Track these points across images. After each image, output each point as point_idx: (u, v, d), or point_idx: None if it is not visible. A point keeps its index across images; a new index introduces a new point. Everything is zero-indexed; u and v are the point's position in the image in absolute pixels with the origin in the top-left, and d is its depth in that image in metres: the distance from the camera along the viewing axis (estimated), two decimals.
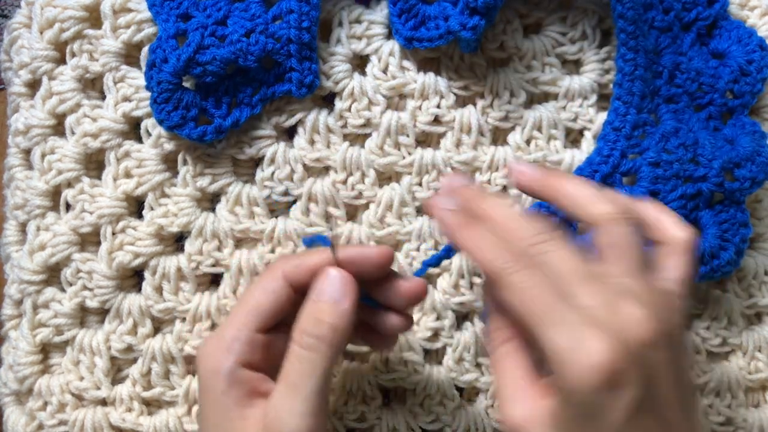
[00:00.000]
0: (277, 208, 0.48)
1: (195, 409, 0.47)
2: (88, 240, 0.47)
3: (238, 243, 0.48)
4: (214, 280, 0.48)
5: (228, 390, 0.37)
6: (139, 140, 0.47)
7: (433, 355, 0.48)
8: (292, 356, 0.36)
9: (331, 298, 0.37)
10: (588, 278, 0.34)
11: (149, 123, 0.46)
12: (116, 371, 0.48)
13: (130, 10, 0.46)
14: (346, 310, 0.37)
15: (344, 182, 0.47)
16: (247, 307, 0.38)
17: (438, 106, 0.47)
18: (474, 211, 0.37)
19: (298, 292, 0.38)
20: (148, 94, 0.45)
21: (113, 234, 0.47)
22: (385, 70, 0.47)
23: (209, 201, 0.48)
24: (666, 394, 0.33)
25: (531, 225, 0.36)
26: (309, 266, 0.38)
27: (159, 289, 0.47)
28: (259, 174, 0.47)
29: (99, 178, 0.47)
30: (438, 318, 0.47)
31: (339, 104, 0.47)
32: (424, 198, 0.47)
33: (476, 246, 0.36)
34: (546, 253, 0.35)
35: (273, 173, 0.47)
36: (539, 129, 0.47)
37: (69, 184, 0.47)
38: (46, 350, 0.48)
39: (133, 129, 0.47)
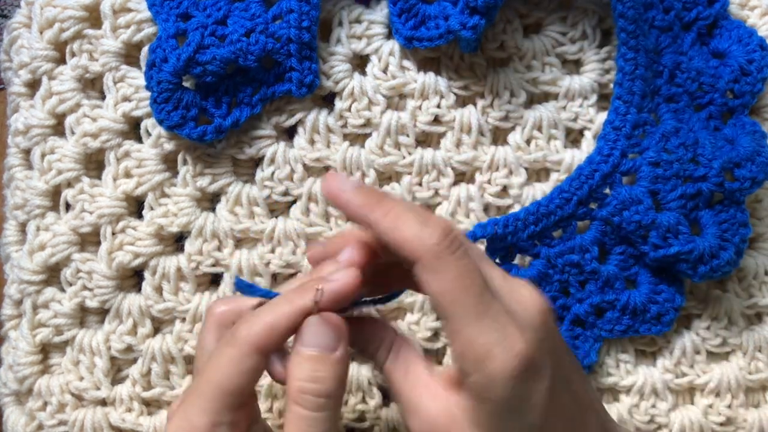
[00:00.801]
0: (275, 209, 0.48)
1: None
2: (88, 240, 0.47)
3: (238, 243, 0.48)
4: (214, 280, 0.48)
5: None
6: (139, 140, 0.47)
7: (433, 355, 0.48)
8: (296, 420, 0.32)
9: (325, 350, 0.33)
10: (489, 272, 0.34)
11: (149, 123, 0.46)
12: (116, 371, 0.48)
13: (130, 10, 0.46)
14: (343, 355, 0.33)
15: None
16: (222, 390, 0.33)
17: (438, 106, 0.47)
18: (378, 193, 0.35)
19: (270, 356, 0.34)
20: (148, 93, 0.45)
21: (113, 234, 0.47)
22: (385, 70, 0.47)
23: (209, 201, 0.48)
24: (568, 364, 0.35)
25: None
26: (286, 328, 0.33)
27: (159, 289, 0.47)
28: (259, 174, 0.47)
29: (99, 178, 0.47)
30: (438, 318, 0.47)
31: (339, 104, 0.47)
32: (421, 197, 0.47)
33: (398, 223, 0.32)
34: (466, 242, 0.34)
35: (273, 173, 0.47)
36: (539, 129, 0.47)
37: (69, 184, 0.47)
38: (46, 350, 0.48)
39: (133, 129, 0.47)
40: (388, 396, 0.48)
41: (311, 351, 0.33)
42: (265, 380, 0.46)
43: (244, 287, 0.37)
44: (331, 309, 0.34)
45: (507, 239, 0.45)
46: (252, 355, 0.33)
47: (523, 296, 0.34)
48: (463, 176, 0.48)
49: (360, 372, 0.47)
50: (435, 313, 0.33)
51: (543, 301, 0.34)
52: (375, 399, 0.47)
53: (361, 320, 0.36)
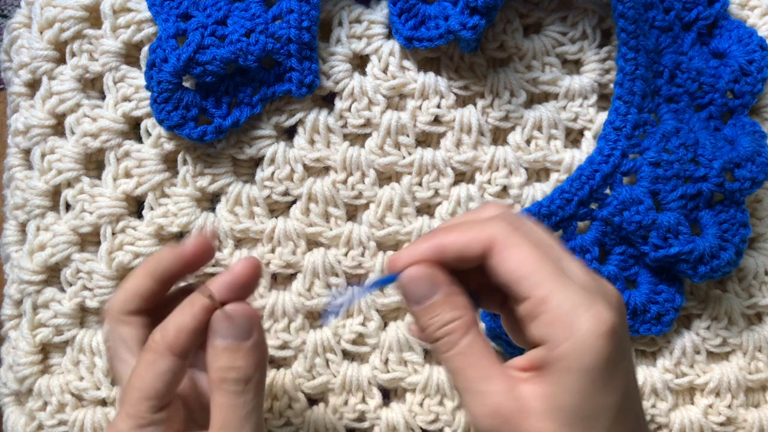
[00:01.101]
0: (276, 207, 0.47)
1: None
2: (88, 240, 0.47)
3: (238, 243, 0.48)
4: None
5: None
6: (139, 140, 0.47)
7: (433, 355, 0.48)
8: (222, 407, 0.34)
9: (238, 339, 0.34)
10: (561, 249, 0.34)
11: (149, 123, 0.46)
12: None
13: (130, 10, 0.46)
14: (257, 341, 0.35)
15: (344, 182, 0.47)
16: (141, 393, 0.34)
17: (438, 106, 0.47)
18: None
19: (190, 356, 0.36)
20: (148, 94, 0.45)
21: (113, 234, 0.47)
22: (385, 70, 0.47)
23: (209, 201, 0.48)
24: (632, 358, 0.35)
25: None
26: (193, 327, 0.35)
27: None
28: (259, 174, 0.47)
29: (99, 178, 0.47)
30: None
31: (339, 104, 0.47)
32: (421, 197, 0.47)
33: (459, 233, 0.33)
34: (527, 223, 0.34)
35: (273, 173, 0.47)
36: (539, 129, 0.47)
37: (69, 184, 0.47)
38: (46, 350, 0.48)
39: (133, 129, 0.47)
40: (388, 396, 0.48)
41: (225, 343, 0.35)
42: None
43: (330, 314, 0.37)
44: (234, 299, 0.35)
45: None
46: (165, 357, 0.34)
47: (605, 284, 0.33)
48: (463, 176, 0.48)
49: (360, 372, 0.47)
50: (514, 301, 0.32)
51: (620, 295, 0.34)
52: (375, 399, 0.47)
53: (448, 293, 0.34)
